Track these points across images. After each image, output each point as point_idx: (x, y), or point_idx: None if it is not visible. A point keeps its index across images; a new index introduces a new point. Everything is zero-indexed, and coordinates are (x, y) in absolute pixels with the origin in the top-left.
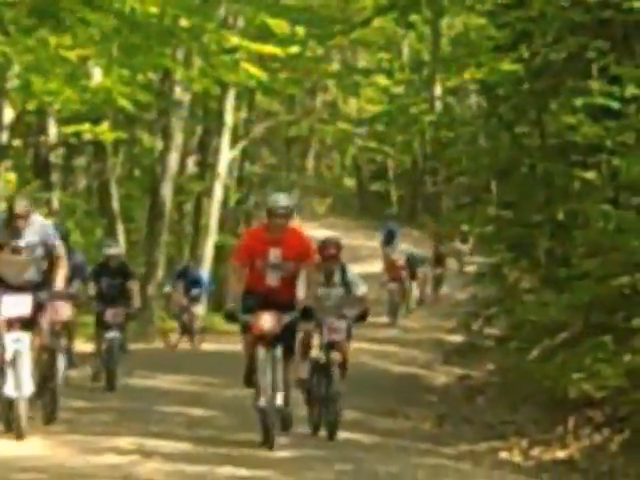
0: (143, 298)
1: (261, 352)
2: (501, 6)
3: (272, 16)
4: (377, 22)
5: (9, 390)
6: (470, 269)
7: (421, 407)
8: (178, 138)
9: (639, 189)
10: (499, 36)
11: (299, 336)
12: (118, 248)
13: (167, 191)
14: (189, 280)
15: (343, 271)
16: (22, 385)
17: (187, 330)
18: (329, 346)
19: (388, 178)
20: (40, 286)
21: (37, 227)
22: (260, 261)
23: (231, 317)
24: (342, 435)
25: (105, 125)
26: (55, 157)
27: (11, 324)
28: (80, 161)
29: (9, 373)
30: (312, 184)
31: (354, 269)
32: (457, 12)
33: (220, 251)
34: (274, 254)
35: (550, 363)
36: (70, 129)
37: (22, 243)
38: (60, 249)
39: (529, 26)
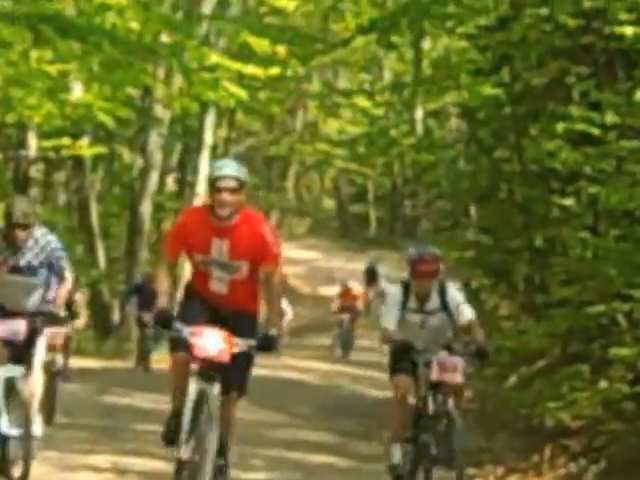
0: (121, 315)
1: (193, 386)
2: (482, 29)
3: (254, 35)
4: (359, 43)
5: (3, 427)
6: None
7: None
8: (157, 155)
9: (618, 217)
10: (480, 59)
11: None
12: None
13: (146, 208)
14: (150, 293)
15: (442, 291)
16: (28, 422)
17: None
18: (437, 389)
19: (368, 200)
20: (37, 312)
21: (41, 242)
22: (200, 256)
23: (164, 322)
24: (317, 459)
25: (85, 140)
26: (35, 172)
27: (3, 353)
28: (59, 176)
29: (1, 405)
30: (292, 205)
31: (330, 291)
32: (438, 34)
33: None
34: (218, 248)
35: (527, 391)
36: (50, 143)
37: (22, 261)
38: (68, 271)
39: (510, 50)
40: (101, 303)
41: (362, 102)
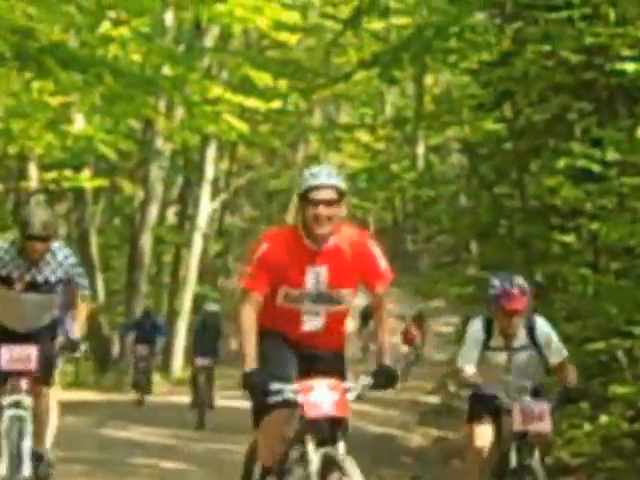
0: (121, 348)
1: (312, 450)
2: (484, 64)
3: (255, 68)
4: (360, 77)
5: (1, 469)
6: (449, 330)
7: (395, 468)
8: (158, 188)
9: (618, 253)
10: (482, 94)
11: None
12: None
13: (146, 241)
14: (147, 327)
15: (531, 326)
16: (21, 463)
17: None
18: (521, 439)
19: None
20: (50, 335)
21: (59, 256)
22: (290, 290)
23: (259, 389)
24: None
25: (86, 173)
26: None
27: (11, 383)
28: (60, 208)
29: (3, 446)
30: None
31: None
32: (440, 69)
33: (199, 302)
34: (314, 277)
35: None
36: (51, 175)
37: (39, 277)
38: (87, 290)
39: (512, 86)
40: (100, 336)
41: (363, 137)
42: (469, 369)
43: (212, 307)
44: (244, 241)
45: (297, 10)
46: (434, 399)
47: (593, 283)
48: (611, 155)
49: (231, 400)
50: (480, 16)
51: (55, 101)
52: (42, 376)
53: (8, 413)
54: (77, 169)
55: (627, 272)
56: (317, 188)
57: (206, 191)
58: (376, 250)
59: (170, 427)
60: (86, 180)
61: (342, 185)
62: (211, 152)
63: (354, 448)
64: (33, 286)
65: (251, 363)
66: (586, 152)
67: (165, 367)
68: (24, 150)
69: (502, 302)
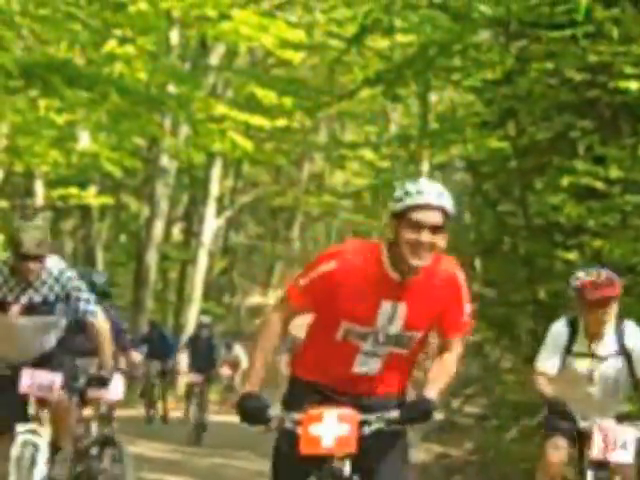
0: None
1: None
2: (488, 83)
3: (260, 86)
4: (365, 95)
5: None
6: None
7: None
8: (164, 205)
9: (621, 271)
10: (485, 113)
11: None
12: None
13: (152, 258)
14: (157, 342)
15: (620, 330)
16: None
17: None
18: (599, 468)
19: None
20: (52, 363)
21: (54, 272)
22: (356, 327)
23: (253, 414)
24: None
25: (92, 190)
26: (42, 220)
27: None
28: (66, 225)
29: (12, 473)
30: (297, 256)
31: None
32: (443, 87)
33: None
34: (388, 315)
35: (528, 444)
36: (57, 192)
37: (37, 298)
38: (96, 314)
39: (516, 104)
40: None
41: (368, 154)
42: (550, 370)
43: (205, 319)
44: (249, 258)
45: (302, 28)
46: (437, 415)
47: None
48: (614, 173)
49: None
50: (484, 34)
51: (61, 119)
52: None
53: (22, 438)
54: (83, 186)
55: (630, 289)
56: (422, 208)
57: (211, 208)
58: (465, 292)
59: (175, 442)
60: (92, 197)
61: (451, 208)
62: (216, 170)
63: None
64: (31, 308)
65: (253, 384)
66: (589, 170)
67: (170, 382)
68: (30, 167)
69: (586, 292)
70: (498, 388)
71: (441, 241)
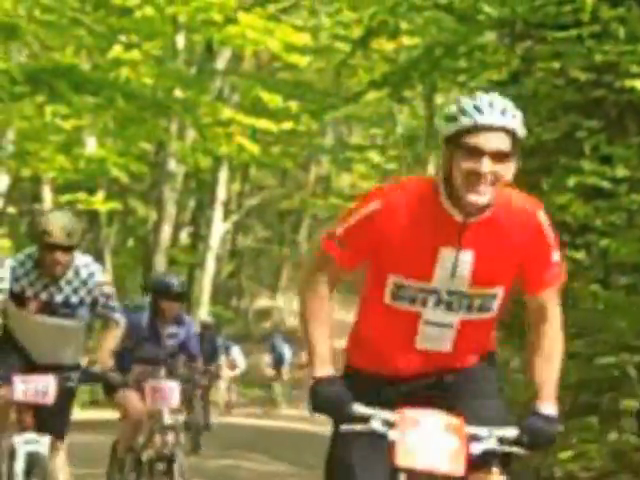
0: None
1: None
2: (494, 84)
3: (267, 90)
4: (371, 97)
5: None
6: None
7: None
8: (171, 209)
9: (628, 269)
10: None
11: None
12: None
13: (160, 262)
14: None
15: None
16: None
17: None
18: None
19: None
20: (75, 369)
21: (82, 273)
22: (407, 281)
23: (331, 405)
24: None
25: (99, 195)
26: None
27: (24, 419)
28: None
29: None
30: (304, 258)
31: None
32: (449, 88)
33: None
34: (450, 266)
35: None
36: (65, 198)
37: (58, 297)
38: (118, 316)
39: (522, 104)
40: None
41: (374, 157)
42: None
43: (208, 319)
44: (256, 261)
45: (308, 32)
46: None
47: (603, 299)
48: (620, 172)
49: (245, 418)
50: (490, 35)
51: (68, 124)
52: (60, 411)
53: (25, 449)
54: (91, 191)
55: (637, 287)
56: (482, 129)
57: (218, 212)
58: (550, 233)
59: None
60: (99, 202)
61: (520, 129)
62: (223, 174)
63: None
64: (49, 307)
65: (324, 365)
66: (596, 169)
67: None
68: (38, 173)
69: None
70: (508, 388)
71: (508, 171)
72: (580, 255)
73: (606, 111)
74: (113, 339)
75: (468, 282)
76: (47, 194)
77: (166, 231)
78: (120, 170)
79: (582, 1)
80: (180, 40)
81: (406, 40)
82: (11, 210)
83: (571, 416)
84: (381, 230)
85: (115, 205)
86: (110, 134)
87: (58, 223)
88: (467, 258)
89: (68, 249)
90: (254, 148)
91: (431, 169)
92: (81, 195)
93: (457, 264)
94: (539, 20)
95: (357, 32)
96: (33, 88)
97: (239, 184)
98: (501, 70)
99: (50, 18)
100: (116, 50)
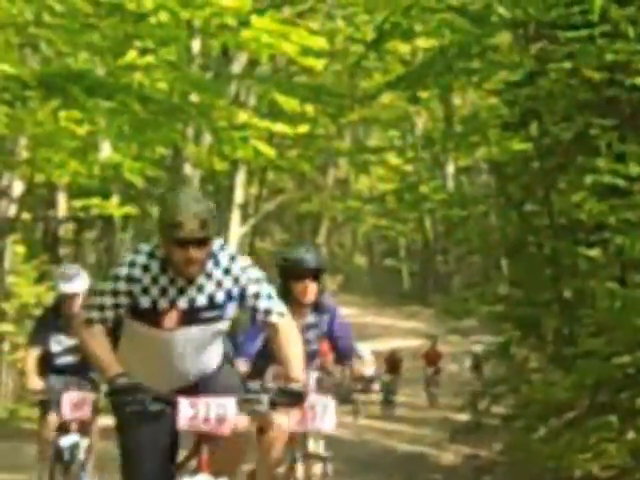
0: None
1: None
2: (509, 84)
3: (283, 93)
4: (388, 99)
5: None
6: (478, 348)
7: None
8: None
9: None
10: (508, 114)
11: None
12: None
13: None
14: None
15: None
16: None
17: None
18: None
19: (399, 256)
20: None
21: (224, 262)
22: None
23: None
24: None
25: (114, 200)
26: (64, 231)
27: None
28: (89, 235)
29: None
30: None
31: (363, 347)
32: (464, 89)
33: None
34: None
35: (556, 442)
36: (79, 203)
37: (201, 299)
38: (283, 314)
39: (537, 105)
40: None
41: (392, 159)
42: None
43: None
44: (274, 265)
45: (324, 36)
46: (465, 416)
47: (620, 297)
48: (634, 169)
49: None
50: (505, 36)
51: (82, 130)
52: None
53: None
54: (105, 197)
55: None
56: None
57: (236, 216)
58: None
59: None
60: (114, 207)
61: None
62: (240, 177)
63: (384, 467)
64: (192, 315)
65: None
66: (611, 167)
67: None
68: (52, 178)
69: None
70: (525, 388)
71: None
72: (596, 253)
73: (619, 109)
74: (296, 346)
75: None
76: (62, 200)
77: None
78: (135, 175)
79: (591, 2)
80: (196, 45)
81: (421, 43)
82: (25, 216)
83: (589, 416)
84: None
85: (130, 210)
86: (125, 139)
87: (190, 210)
88: None
89: (204, 242)
90: (270, 152)
91: (450, 170)
92: (95, 200)
93: None
94: (551, 21)
95: (372, 35)
96: (46, 93)
97: (257, 188)
98: (515, 71)
99: (62, 22)
100: (131, 55)
